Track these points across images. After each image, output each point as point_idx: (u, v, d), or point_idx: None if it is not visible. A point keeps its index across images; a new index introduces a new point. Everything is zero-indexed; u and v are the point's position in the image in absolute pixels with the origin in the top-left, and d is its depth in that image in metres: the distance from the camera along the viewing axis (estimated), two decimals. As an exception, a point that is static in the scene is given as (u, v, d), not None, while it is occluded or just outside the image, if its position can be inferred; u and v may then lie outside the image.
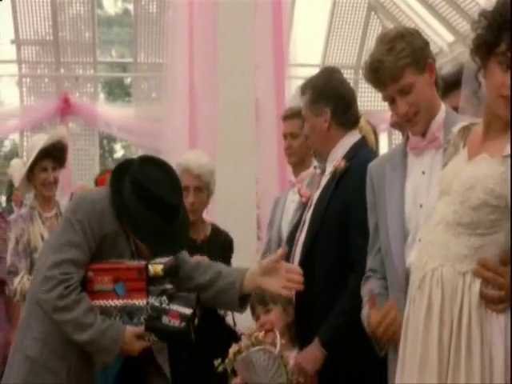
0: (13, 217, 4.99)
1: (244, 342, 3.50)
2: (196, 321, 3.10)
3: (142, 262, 3.10)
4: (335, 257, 3.56)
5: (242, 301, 3.35)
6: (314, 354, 3.49)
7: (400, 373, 2.67)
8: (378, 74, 3.01)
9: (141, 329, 3.06)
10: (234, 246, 4.80)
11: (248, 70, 6.23)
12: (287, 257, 3.66)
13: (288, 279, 3.22)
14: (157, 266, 3.06)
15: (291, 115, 5.03)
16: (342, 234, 3.54)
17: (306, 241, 3.67)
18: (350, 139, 3.71)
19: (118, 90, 21.43)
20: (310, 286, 3.45)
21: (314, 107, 3.72)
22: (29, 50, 16.05)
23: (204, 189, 4.62)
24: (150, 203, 3.14)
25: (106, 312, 3.06)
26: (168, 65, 6.63)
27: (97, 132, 15.95)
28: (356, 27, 15.37)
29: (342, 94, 3.71)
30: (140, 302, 3.04)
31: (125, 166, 3.33)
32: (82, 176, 14.13)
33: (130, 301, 3.04)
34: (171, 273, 3.09)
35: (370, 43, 14.27)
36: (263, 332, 3.54)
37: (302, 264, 3.59)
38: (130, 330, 3.05)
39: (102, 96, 17.51)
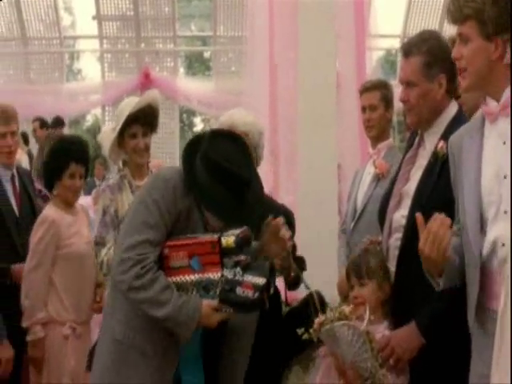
0: (101, 187, 4.77)
1: (328, 314, 3.43)
2: (271, 289, 3.13)
3: (215, 236, 3.10)
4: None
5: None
6: (412, 342, 3.35)
7: (497, 351, 2.54)
8: (450, 10, 2.93)
9: (217, 302, 3.09)
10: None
11: (329, 41, 6.16)
12: (381, 228, 3.59)
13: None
14: (229, 239, 3.08)
15: (371, 87, 4.94)
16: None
17: (407, 223, 3.50)
18: (450, 112, 3.51)
19: (197, 64, 21.53)
20: (411, 268, 3.33)
21: (429, 72, 3.44)
22: (110, 25, 16.22)
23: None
24: (221, 177, 3.15)
25: (182, 287, 3.09)
26: (248, 37, 6.59)
27: (177, 106, 16.06)
28: (438, -4, 15.09)
29: (451, 57, 3.46)
30: (215, 275, 3.07)
31: (196, 141, 3.33)
32: (162, 150, 14.25)
33: (205, 275, 3.07)
34: (243, 244, 3.10)
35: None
36: (351, 306, 3.50)
37: (403, 245, 3.48)
38: (206, 303, 3.08)
39: (181, 70, 17.60)
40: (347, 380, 3.42)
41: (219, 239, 3.07)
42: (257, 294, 3.01)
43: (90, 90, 16.52)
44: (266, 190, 6.34)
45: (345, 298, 4.56)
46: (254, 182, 3.32)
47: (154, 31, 16.16)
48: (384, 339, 3.42)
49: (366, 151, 6.21)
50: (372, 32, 6.72)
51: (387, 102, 4.95)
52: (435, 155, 3.45)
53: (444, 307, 3.27)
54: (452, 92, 3.54)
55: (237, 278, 3.04)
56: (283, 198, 6.23)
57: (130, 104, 4.62)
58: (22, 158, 11.95)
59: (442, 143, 3.43)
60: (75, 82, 18.75)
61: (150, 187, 3.23)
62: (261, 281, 3.03)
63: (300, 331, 3.41)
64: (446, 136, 3.39)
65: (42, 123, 12.33)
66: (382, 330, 3.51)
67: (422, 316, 3.35)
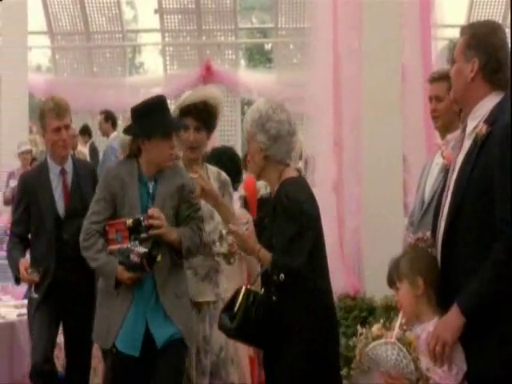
0: None
1: (358, 344, 3.52)
2: (159, 258, 4.24)
3: (123, 219, 4.30)
4: (479, 226, 3.43)
5: None
6: (452, 322, 3.38)
7: None
8: None
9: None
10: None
11: (394, 31, 6.06)
12: (435, 222, 3.58)
13: None
14: (129, 220, 4.26)
15: (438, 78, 4.85)
16: (486, 204, 3.39)
17: (450, 209, 3.54)
18: (494, 99, 3.54)
19: (258, 56, 21.52)
20: (454, 256, 3.37)
21: (466, 52, 3.59)
22: (171, 18, 16.31)
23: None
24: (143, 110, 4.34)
25: (113, 253, 4.33)
26: (311, 28, 6.52)
27: (238, 98, 16.08)
28: (503, -15, 14.85)
29: (497, 51, 3.52)
30: (125, 245, 4.28)
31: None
32: (224, 142, 14.29)
33: (122, 245, 4.29)
34: (137, 224, 4.24)
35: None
36: (380, 322, 3.53)
37: (446, 233, 3.49)
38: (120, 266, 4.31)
39: (241, 62, 17.60)
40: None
41: (125, 220, 4.28)
42: (139, 260, 4.21)
43: (152, 84, 16.64)
44: (330, 180, 6.37)
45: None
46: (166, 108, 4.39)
47: (216, 24, 16.20)
48: (430, 334, 3.41)
49: (431, 143, 6.12)
50: (437, 22, 6.60)
51: None
52: (475, 139, 3.46)
53: (484, 289, 3.32)
54: (495, 81, 3.55)
55: (132, 247, 4.25)
56: (348, 190, 6.19)
57: (185, 96, 4.67)
58: (83, 151, 12.10)
59: (482, 125, 3.45)
60: (137, 75, 18.88)
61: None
62: (143, 251, 4.21)
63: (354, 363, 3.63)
64: (488, 120, 3.46)
65: (107, 116, 12.45)
66: (428, 328, 3.46)
67: (462, 297, 3.37)
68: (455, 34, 3.97)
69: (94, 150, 13.64)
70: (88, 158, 12.74)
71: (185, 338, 4.37)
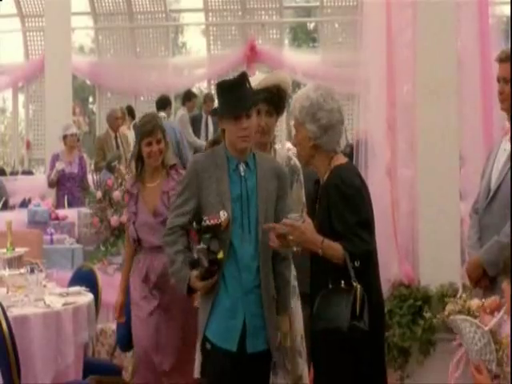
0: None
1: (449, 306, 3.47)
2: (220, 254, 4.05)
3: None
4: None
5: None
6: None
7: None
8: None
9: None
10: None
11: (449, 8, 5.84)
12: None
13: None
14: (196, 224, 4.17)
15: (506, 58, 4.61)
16: None
17: None
18: None
19: (302, 35, 21.26)
20: None
21: None
22: (215, -2, 16.16)
23: None
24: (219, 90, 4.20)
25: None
26: (363, 7, 6.31)
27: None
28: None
29: None
30: (197, 246, 4.14)
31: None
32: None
33: (196, 245, 4.16)
34: (208, 228, 4.09)
35: None
36: (482, 300, 3.41)
37: None
38: (194, 273, 4.11)
39: (285, 42, 17.35)
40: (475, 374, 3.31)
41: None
42: (196, 256, 4.09)
43: (195, 64, 16.50)
44: (384, 165, 6.17)
45: (475, 283, 4.33)
46: (244, 86, 4.15)
47: (259, 3, 16.00)
48: None
49: (489, 125, 5.92)
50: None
51: None
52: None
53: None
54: None
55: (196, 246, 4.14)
56: (402, 173, 6.00)
57: (258, 79, 4.50)
58: (125, 133, 12.00)
59: None
60: (180, 56, 18.74)
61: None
62: (201, 246, 4.07)
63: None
64: None
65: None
66: None
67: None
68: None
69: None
70: (131, 140, 12.67)
71: (272, 350, 4.14)
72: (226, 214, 4.08)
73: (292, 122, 4.12)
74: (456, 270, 5.66)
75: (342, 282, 3.70)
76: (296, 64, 15.21)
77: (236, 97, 4.10)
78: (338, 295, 3.69)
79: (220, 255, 4.09)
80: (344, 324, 3.61)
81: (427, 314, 5.34)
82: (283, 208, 4.15)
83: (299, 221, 3.83)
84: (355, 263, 3.70)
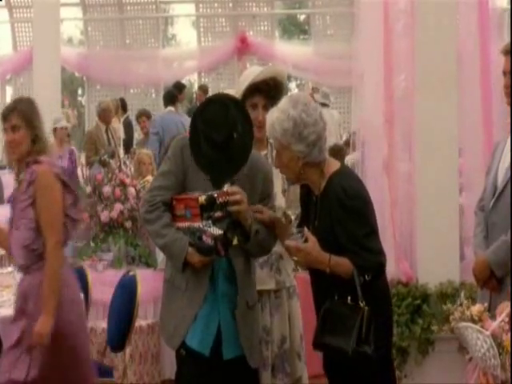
0: None
1: (455, 313, 3.36)
2: (235, 241, 3.75)
3: (196, 194, 3.78)
4: None
5: None
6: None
7: None
8: None
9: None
10: None
11: (449, 2, 5.73)
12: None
13: None
14: (202, 197, 3.72)
15: (510, 50, 4.49)
16: None
17: None
18: None
19: (292, 28, 21.14)
20: None
21: None
22: (205, -12, 16.03)
23: None
24: (202, 139, 3.81)
25: (180, 230, 3.85)
26: (359, -2, 6.19)
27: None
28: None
29: None
30: (197, 224, 3.77)
31: (198, 107, 4.02)
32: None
33: (192, 223, 3.79)
34: (211, 201, 3.72)
35: None
36: (484, 305, 3.34)
37: None
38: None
39: (276, 34, 17.22)
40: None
41: (197, 196, 3.76)
42: (212, 242, 3.71)
43: (186, 56, 16.38)
44: (381, 158, 6.06)
45: (483, 283, 4.21)
46: (238, 141, 3.82)
47: (250, -6, 15.92)
48: None
49: (488, 118, 5.82)
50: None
51: None
52: None
53: None
54: None
55: (205, 228, 3.74)
56: (399, 167, 5.88)
57: (254, 72, 4.31)
58: (115, 127, 11.83)
59: None
60: (169, 47, 18.61)
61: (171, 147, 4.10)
62: (218, 232, 3.71)
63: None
64: None
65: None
66: None
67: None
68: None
69: (129, 125, 13.39)
70: (122, 134, 12.53)
71: (247, 357, 3.93)
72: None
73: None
74: (455, 267, 5.56)
75: (349, 297, 3.54)
76: (287, 56, 15.11)
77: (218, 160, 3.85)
78: (343, 311, 3.56)
79: (235, 242, 3.78)
80: (348, 348, 3.48)
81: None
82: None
83: (301, 239, 3.63)
84: (366, 277, 3.54)
